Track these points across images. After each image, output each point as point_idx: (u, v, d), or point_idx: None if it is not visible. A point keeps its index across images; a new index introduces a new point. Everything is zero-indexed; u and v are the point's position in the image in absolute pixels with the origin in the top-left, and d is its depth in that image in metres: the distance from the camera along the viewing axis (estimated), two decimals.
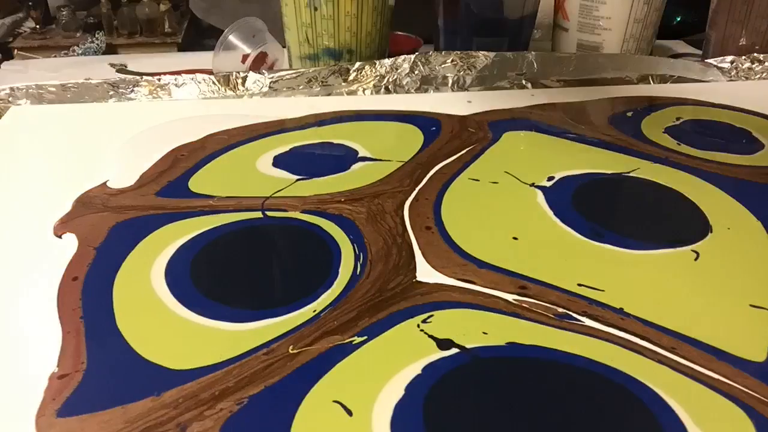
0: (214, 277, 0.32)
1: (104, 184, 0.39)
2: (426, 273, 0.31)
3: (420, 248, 0.33)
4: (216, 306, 0.29)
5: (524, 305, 0.30)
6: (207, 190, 0.39)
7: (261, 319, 0.29)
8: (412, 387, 0.25)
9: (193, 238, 0.34)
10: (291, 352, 0.27)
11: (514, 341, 0.27)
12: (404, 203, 0.37)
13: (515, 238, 0.34)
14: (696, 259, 0.33)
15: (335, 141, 0.46)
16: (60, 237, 0.34)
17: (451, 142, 0.45)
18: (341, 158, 0.43)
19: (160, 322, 0.29)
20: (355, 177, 0.40)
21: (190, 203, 0.37)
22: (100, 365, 0.26)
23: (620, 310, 0.29)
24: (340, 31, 0.55)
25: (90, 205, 0.37)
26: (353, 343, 0.27)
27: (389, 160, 0.42)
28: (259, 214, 0.37)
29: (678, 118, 0.49)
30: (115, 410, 0.24)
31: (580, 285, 0.31)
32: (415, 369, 0.26)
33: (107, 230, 0.35)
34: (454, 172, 0.41)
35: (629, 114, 0.50)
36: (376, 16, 0.55)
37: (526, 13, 0.60)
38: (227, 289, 0.31)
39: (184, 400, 0.24)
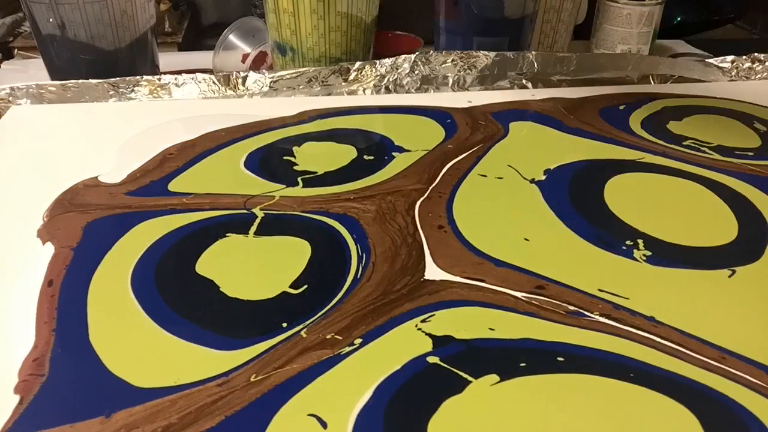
0: (180, 286, 0.30)
1: (83, 181, 0.39)
2: (436, 273, 0.31)
3: (432, 248, 0.32)
4: (180, 320, 0.28)
5: (534, 302, 0.29)
6: (188, 188, 0.38)
7: (234, 348, 0.27)
8: (381, 388, 0.24)
9: (161, 238, 0.33)
10: (252, 381, 0.25)
11: (528, 336, 0.27)
12: (416, 202, 0.36)
13: (527, 239, 0.34)
14: (731, 276, 0.31)
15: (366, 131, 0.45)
16: (44, 244, 0.33)
17: (474, 135, 0.44)
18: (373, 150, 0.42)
19: (132, 331, 0.28)
20: (375, 171, 0.40)
21: (158, 201, 0.36)
22: (63, 376, 0.25)
23: (651, 318, 0.28)
24: (281, 27, 0.54)
25: (60, 203, 0.36)
26: (341, 353, 0.26)
27: (416, 150, 0.42)
28: (244, 213, 0.35)
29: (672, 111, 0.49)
30: (63, 429, 0.23)
31: (601, 290, 0.30)
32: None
33: (81, 230, 0.34)
34: (468, 166, 0.40)
35: (621, 107, 0.50)
36: (317, 19, 0.53)
37: (527, 13, 0.60)
38: (195, 302, 0.29)
39: (127, 430, 0.23)
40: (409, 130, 0.45)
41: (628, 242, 0.33)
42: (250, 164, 0.41)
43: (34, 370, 0.25)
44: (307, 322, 0.28)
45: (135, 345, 0.27)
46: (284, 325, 0.28)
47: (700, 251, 0.33)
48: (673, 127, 0.47)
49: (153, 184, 0.38)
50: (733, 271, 0.31)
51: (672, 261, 0.32)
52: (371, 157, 0.41)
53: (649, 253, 0.32)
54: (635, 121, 0.47)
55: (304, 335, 0.27)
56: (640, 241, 0.33)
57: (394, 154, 0.42)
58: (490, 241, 0.33)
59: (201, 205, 0.36)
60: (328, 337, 0.27)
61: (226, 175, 0.40)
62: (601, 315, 0.28)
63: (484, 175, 0.40)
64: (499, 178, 0.39)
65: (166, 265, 0.31)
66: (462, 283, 0.30)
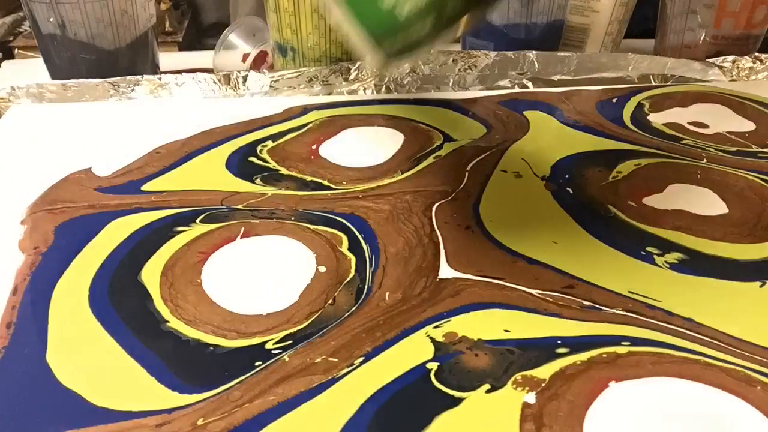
0: (127, 298, 0.28)
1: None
2: (454, 273, 0.29)
3: (452, 248, 0.31)
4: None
5: (549, 299, 0.28)
6: (165, 188, 0.36)
7: (181, 391, 0.23)
8: (369, 401, 0.23)
9: (125, 240, 0.31)
10: (199, 425, 0.21)
11: (547, 335, 0.25)
12: (436, 203, 0.34)
13: (555, 242, 0.32)
14: (762, 286, 0.29)
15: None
16: (22, 249, 0.32)
17: (507, 129, 0.44)
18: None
19: (89, 343, 0.26)
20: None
21: (122, 200, 0.35)
22: (12, 392, 0.23)
23: (690, 320, 0.27)
24: (282, 26, 0.53)
25: (35, 203, 0.35)
26: (336, 377, 0.23)
27: (461, 139, 0.41)
28: (221, 209, 0.33)
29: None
30: None
31: (631, 292, 0.28)
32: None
33: (52, 232, 0.33)
34: (495, 162, 0.39)
35: (614, 100, 0.50)
36: (317, 19, 0.52)
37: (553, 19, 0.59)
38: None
39: None
40: (448, 121, 0.44)
41: (649, 248, 0.32)
42: (234, 162, 0.39)
43: None
44: (298, 347, 0.25)
45: (91, 358, 0.25)
46: (258, 364, 0.24)
47: (728, 262, 0.32)
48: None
49: (129, 183, 0.37)
50: (764, 282, 0.30)
51: (696, 269, 0.31)
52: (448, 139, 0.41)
53: (673, 261, 0.31)
54: (627, 115, 0.47)
55: (287, 359, 0.24)
56: (674, 254, 0.32)
57: (444, 144, 0.41)
58: (521, 240, 0.32)
59: (169, 203, 0.34)
60: (318, 360, 0.24)
61: (211, 174, 0.38)
62: (628, 311, 0.27)
63: (505, 171, 0.38)
64: (517, 174, 0.38)
65: (118, 272, 0.29)
66: (480, 282, 0.28)
